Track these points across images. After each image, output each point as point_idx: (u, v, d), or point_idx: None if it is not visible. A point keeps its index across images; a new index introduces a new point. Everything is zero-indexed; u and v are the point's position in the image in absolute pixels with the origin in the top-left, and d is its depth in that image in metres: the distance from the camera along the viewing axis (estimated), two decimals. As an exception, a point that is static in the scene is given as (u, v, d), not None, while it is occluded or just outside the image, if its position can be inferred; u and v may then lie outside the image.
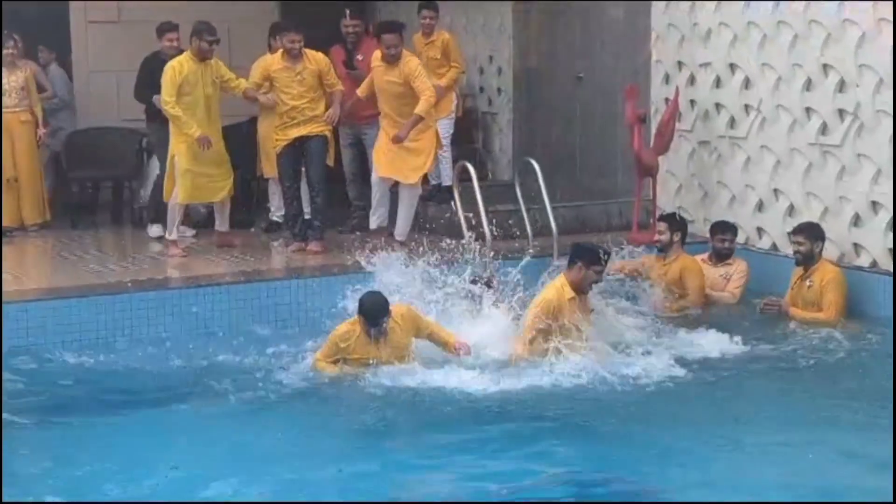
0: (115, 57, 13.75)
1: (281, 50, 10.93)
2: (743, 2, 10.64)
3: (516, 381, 7.99)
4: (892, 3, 9.46)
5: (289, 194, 11.08)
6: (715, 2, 10.91)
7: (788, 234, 9.99)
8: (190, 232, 11.67)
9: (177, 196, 10.75)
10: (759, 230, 10.67)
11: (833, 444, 6.97)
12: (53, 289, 9.67)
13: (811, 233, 9.59)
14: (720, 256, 10.16)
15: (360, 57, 11.46)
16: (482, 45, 13.61)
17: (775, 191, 10.57)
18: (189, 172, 10.65)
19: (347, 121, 11.39)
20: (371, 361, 8.26)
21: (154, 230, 11.64)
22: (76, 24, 13.84)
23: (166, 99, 10.51)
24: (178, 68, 10.55)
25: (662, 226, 10.10)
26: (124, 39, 13.74)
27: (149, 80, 11.33)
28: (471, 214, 10.50)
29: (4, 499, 6.44)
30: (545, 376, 8.05)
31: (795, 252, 9.61)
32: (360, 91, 10.96)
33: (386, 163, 10.84)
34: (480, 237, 10.15)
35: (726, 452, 6.92)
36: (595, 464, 6.82)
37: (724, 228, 10.26)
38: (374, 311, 8.24)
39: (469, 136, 13.23)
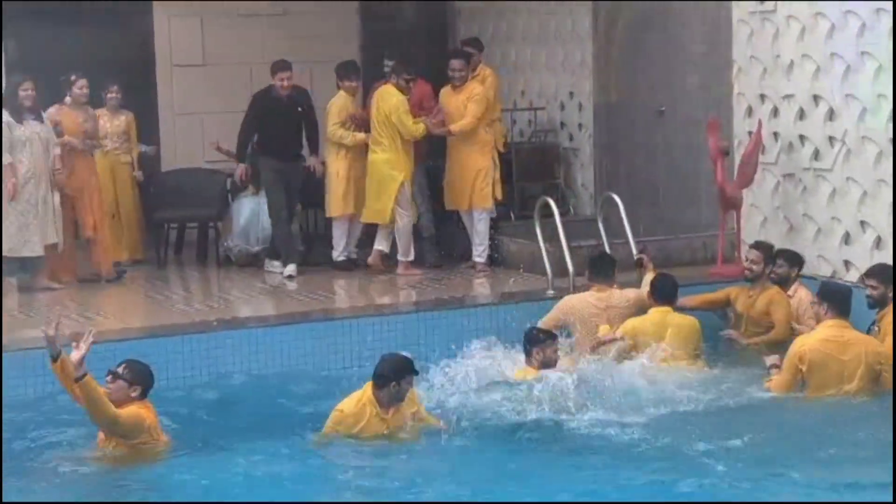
0: (199, 99, 13.97)
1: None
2: (826, 33, 10.56)
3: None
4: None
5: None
6: (797, 33, 10.84)
7: (861, 276, 9.56)
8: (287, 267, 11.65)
9: (411, 220, 11.27)
10: (847, 263, 10.52)
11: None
12: (140, 328, 9.82)
13: (884, 276, 9.05)
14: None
15: None
16: (563, 80, 13.60)
17: (862, 223, 10.43)
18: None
19: None
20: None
21: (288, 268, 11.57)
22: (161, 67, 14.08)
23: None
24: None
25: (756, 255, 9.86)
26: (209, 82, 13.96)
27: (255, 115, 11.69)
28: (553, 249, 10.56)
29: (4, 499, 6.54)
30: None
31: (868, 296, 9.06)
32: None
33: (451, 195, 11.55)
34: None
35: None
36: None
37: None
38: (401, 366, 7.75)
39: (550, 172, 13.25)
